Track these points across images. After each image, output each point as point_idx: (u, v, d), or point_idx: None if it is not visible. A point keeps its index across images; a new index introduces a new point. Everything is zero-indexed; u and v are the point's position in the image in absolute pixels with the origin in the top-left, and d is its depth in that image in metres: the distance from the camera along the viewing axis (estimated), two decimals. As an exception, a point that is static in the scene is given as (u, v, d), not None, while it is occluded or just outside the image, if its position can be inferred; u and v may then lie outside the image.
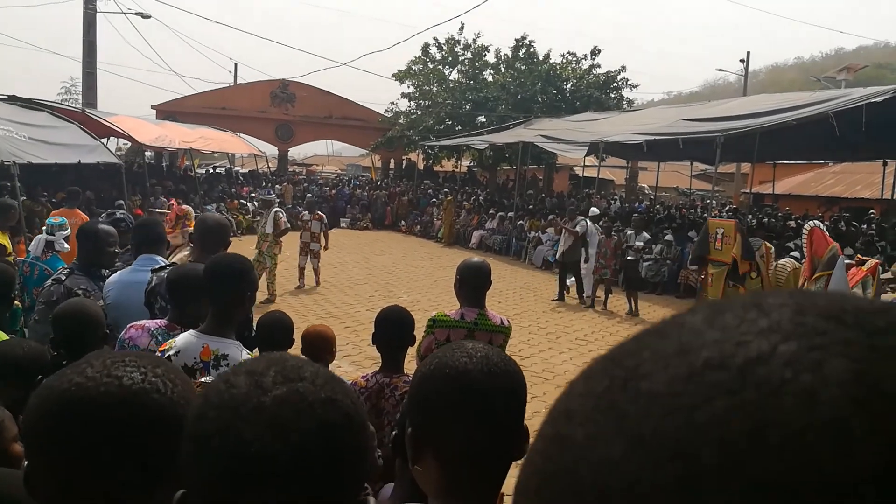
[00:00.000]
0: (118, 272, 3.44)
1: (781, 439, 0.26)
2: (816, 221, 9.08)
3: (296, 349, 3.64)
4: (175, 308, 2.79)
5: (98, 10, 20.75)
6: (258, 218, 15.84)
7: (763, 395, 0.28)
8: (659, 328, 0.35)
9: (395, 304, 3.27)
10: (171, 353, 2.41)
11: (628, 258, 11.51)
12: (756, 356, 0.29)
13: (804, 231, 8.42)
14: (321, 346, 3.57)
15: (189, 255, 3.86)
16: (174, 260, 4.06)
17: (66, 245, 4.87)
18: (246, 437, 0.72)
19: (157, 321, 2.80)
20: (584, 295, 12.08)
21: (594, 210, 13.85)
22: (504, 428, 1.17)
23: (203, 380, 2.04)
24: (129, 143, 21.07)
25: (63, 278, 3.50)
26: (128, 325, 2.76)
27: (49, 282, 3.53)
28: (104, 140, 16.09)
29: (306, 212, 12.84)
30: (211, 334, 2.43)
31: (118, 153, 20.07)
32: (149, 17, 22.47)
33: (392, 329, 2.98)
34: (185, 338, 2.45)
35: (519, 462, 1.97)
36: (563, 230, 12.46)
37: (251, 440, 0.72)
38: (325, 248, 12.53)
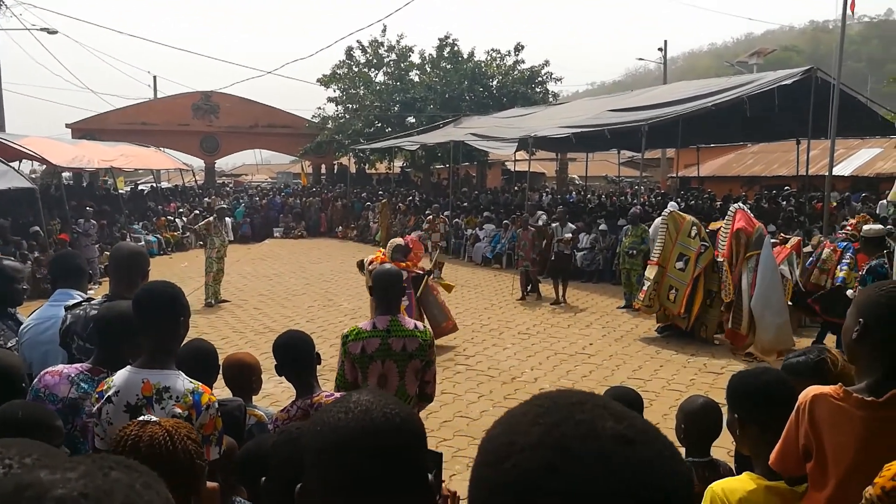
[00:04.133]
0: (36, 310, 3.22)
1: None
2: (740, 203, 9.39)
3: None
4: (104, 350, 2.60)
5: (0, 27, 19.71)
6: (187, 235, 15.38)
7: None
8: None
9: (288, 330, 3.20)
10: (110, 392, 2.30)
11: (561, 251, 11.65)
12: None
13: (730, 212, 8.68)
14: (244, 376, 3.42)
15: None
16: None
17: None
18: None
19: (77, 366, 2.60)
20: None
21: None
22: (387, 490, 1.03)
23: (145, 417, 1.93)
24: (44, 166, 20.11)
25: None
26: (42, 372, 2.55)
27: None
28: (15, 164, 15.30)
29: (432, 216, 15.89)
30: (149, 367, 2.33)
31: (32, 176, 19.10)
32: (55, 32, 21.52)
33: (291, 355, 2.92)
34: (122, 375, 2.33)
35: None
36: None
37: None
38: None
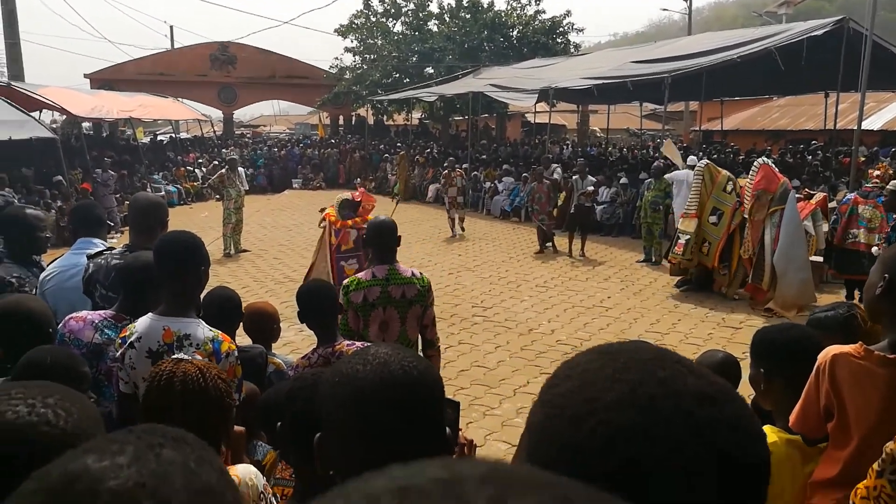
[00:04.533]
0: (58, 258, 3.26)
1: None
2: (765, 158, 9.17)
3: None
4: (127, 298, 2.64)
5: (15, -25, 19.51)
6: (208, 183, 15.46)
7: None
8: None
9: (312, 279, 3.25)
10: (132, 338, 2.34)
11: (582, 203, 11.54)
12: None
13: (754, 167, 8.50)
14: (264, 324, 3.53)
15: None
16: None
17: None
18: None
19: (101, 312, 2.64)
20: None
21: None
22: (405, 440, 1.04)
23: (180, 355, 1.98)
24: (64, 116, 20.18)
25: None
26: (67, 318, 2.60)
27: None
28: (35, 114, 15.36)
29: (449, 170, 14.42)
30: (170, 315, 2.37)
31: (53, 126, 19.18)
32: (72, -21, 21.25)
33: (314, 303, 2.95)
34: (144, 322, 2.38)
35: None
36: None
37: None
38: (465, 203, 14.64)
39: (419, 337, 3.55)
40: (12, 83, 16.86)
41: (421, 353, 3.55)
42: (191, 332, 2.35)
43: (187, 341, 2.33)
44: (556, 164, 13.01)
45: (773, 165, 8.54)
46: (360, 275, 3.46)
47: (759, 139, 23.64)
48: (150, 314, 2.40)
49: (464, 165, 19.08)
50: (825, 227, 8.66)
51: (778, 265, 7.89)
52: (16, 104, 13.24)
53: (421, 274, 3.57)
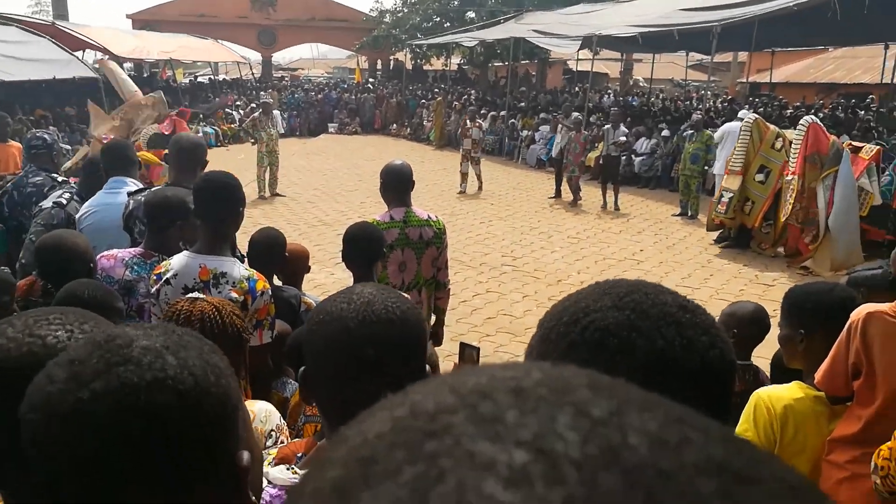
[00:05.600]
0: (93, 196, 3.35)
1: None
2: (812, 117, 8.75)
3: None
4: (153, 234, 2.70)
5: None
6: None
7: None
8: None
9: (361, 221, 3.28)
10: (168, 275, 2.39)
11: (610, 153, 11.31)
12: None
13: (801, 126, 8.15)
14: (298, 265, 3.65)
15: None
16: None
17: None
18: (65, 438, 0.67)
19: (130, 250, 2.72)
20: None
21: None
22: (385, 378, 1.07)
23: (194, 295, 2.02)
24: (107, 56, 20.34)
25: (65, 203, 3.42)
26: (98, 256, 2.67)
27: (50, 204, 3.47)
28: (78, 53, 15.53)
29: (468, 119, 13.22)
30: (206, 253, 2.41)
31: (95, 66, 19.40)
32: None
33: (363, 245, 2.96)
34: (180, 259, 2.42)
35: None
36: (560, 126, 12.19)
37: (70, 442, 0.67)
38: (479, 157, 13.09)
39: (432, 275, 3.61)
40: (56, 22, 17.03)
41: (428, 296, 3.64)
42: (227, 270, 2.39)
43: (224, 279, 2.37)
44: (577, 112, 12.61)
45: (821, 124, 8.21)
46: (377, 216, 3.50)
47: (809, 92, 22.73)
48: (185, 251, 2.45)
49: (501, 113, 18.82)
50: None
51: (833, 228, 7.65)
52: (60, 44, 13.39)
53: (437, 217, 3.65)
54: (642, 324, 0.68)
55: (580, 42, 16.57)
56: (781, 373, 2.45)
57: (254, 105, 20.41)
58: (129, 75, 22.21)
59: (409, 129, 22.38)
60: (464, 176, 12.87)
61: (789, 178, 8.08)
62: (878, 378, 1.94)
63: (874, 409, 1.95)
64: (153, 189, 3.10)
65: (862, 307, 1.99)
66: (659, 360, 0.67)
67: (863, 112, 15.90)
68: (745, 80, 22.87)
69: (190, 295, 2.02)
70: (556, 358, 0.68)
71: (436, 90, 24.92)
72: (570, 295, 0.77)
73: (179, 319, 1.88)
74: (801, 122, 8.32)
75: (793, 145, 8.17)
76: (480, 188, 12.97)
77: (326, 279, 6.91)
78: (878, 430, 1.89)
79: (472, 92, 23.85)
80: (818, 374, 2.02)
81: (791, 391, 2.06)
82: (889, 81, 14.62)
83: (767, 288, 7.38)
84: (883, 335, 1.92)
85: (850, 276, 2.46)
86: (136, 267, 2.64)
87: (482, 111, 19.78)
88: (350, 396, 1.05)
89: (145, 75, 25.08)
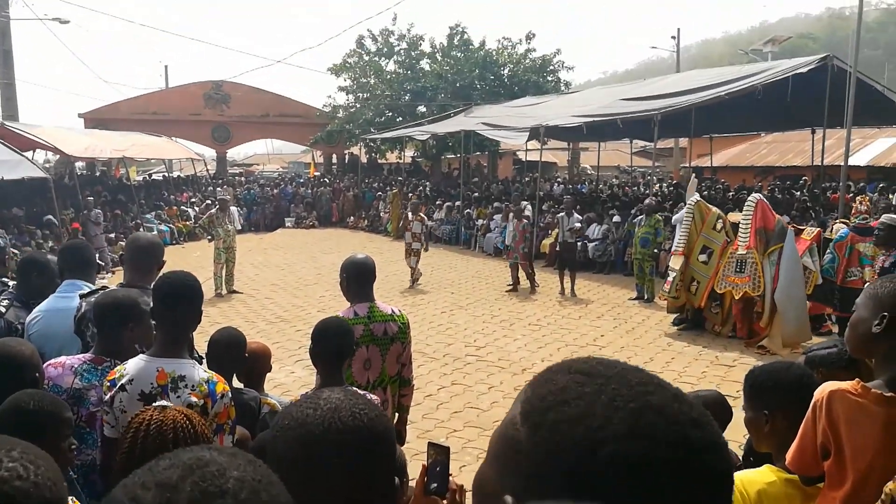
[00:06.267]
0: (44, 301, 3.22)
1: None
2: (759, 195, 9.21)
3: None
4: (104, 338, 2.60)
5: (11, 17, 19.79)
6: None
7: None
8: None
9: (331, 316, 3.21)
10: (123, 381, 2.30)
11: (566, 240, 11.57)
12: None
13: (749, 202, 8.53)
14: (259, 365, 3.56)
15: None
16: None
17: None
18: None
19: (80, 356, 2.60)
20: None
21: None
22: (351, 485, 1.07)
23: (162, 403, 1.93)
24: (58, 155, 20.22)
25: (3, 311, 3.28)
26: (45, 364, 2.54)
27: None
28: (29, 153, 15.39)
29: (409, 213, 12.99)
30: (163, 356, 2.34)
31: (46, 165, 19.22)
32: (67, 21, 21.56)
33: (336, 342, 2.86)
34: (135, 363, 2.34)
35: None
36: (511, 216, 12.43)
37: None
38: (426, 249, 12.79)
39: (396, 372, 3.53)
40: (6, 123, 16.94)
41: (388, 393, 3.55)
42: (186, 373, 2.31)
43: (182, 382, 2.29)
44: (526, 202, 12.97)
45: (767, 202, 8.60)
46: (340, 312, 3.42)
47: (748, 175, 23.92)
48: (141, 355, 2.37)
49: (457, 203, 19.19)
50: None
51: (780, 303, 7.88)
52: (10, 144, 13.27)
53: (400, 311, 3.60)
54: (659, 454, 0.64)
55: (528, 133, 17.22)
56: (751, 457, 2.43)
57: (209, 202, 20.39)
58: (80, 174, 22.15)
59: (366, 221, 22.59)
60: (412, 270, 12.55)
61: (743, 252, 8.33)
62: (847, 458, 1.94)
63: (846, 490, 1.93)
64: (104, 290, 3.01)
65: (825, 385, 2.00)
66: (675, 488, 0.65)
67: (798, 193, 16.72)
68: (687, 165, 23.94)
69: (157, 403, 1.94)
70: (563, 485, 0.64)
71: (392, 182, 25.38)
72: (565, 390, 0.68)
73: (151, 429, 1.79)
74: (750, 198, 8.75)
75: (741, 223, 8.51)
76: (414, 282, 12.53)
77: (286, 378, 6.73)
78: (858, 510, 1.87)
79: (427, 183, 24.36)
80: (788, 455, 2.01)
81: (763, 475, 2.04)
82: (819, 163, 15.48)
83: (729, 369, 7.46)
84: (847, 414, 1.93)
85: (807, 356, 2.49)
86: (86, 374, 2.52)
87: (437, 202, 20.14)
88: (310, 499, 1.02)
89: (98, 174, 24.98)
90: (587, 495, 0.63)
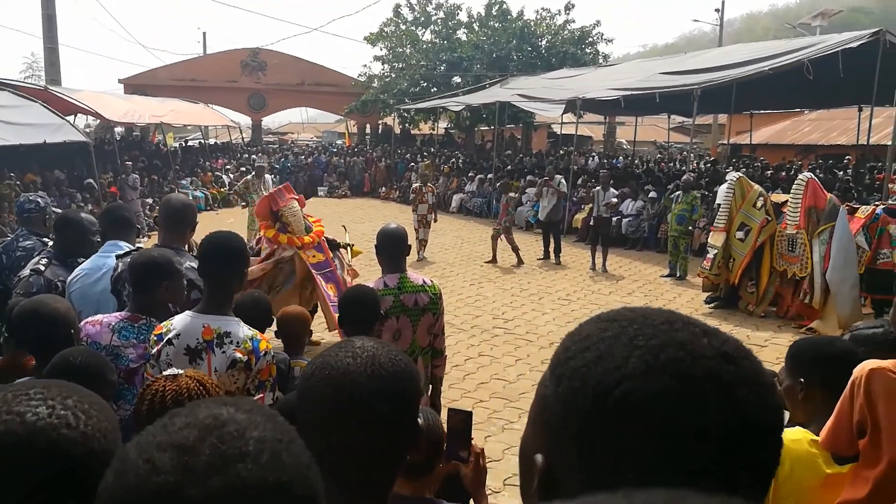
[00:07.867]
0: (87, 260, 3.30)
1: None
2: (810, 173, 8.99)
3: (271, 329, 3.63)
4: (139, 296, 2.65)
5: (55, -19, 20.00)
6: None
7: None
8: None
9: (359, 284, 3.24)
10: (170, 335, 2.35)
11: (600, 214, 11.44)
12: None
13: (800, 181, 8.33)
14: (300, 328, 3.65)
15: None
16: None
17: None
18: None
19: (117, 314, 2.65)
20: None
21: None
22: (389, 431, 1.11)
23: (171, 371, 1.94)
24: (98, 120, 20.57)
25: (42, 269, 3.37)
26: (83, 322, 2.60)
27: (28, 272, 3.38)
28: (70, 117, 15.68)
29: (421, 184, 12.78)
30: (209, 313, 2.39)
31: (87, 130, 19.57)
32: (109, -13, 21.72)
33: (361, 310, 2.92)
34: (182, 319, 2.39)
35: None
36: (546, 190, 12.32)
37: None
38: (435, 220, 12.78)
39: (428, 343, 3.52)
40: (49, 87, 17.25)
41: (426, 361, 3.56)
42: (231, 330, 2.37)
43: (227, 339, 2.34)
44: (560, 176, 12.83)
45: (818, 181, 8.40)
46: (370, 283, 3.41)
47: (788, 153, 23.30)
48: (187, 311, 2.43)
49: (489, 176, 19.08)
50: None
51: (832, 283, 7.71)
52: (52, 108, 13.53)
53: (432, 281, 3.55)
54: (686, 390, 0.58)
55: (564, 106, 16.97)
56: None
57: (243, 169, 20.60)
58: (119, 139, 22.52)
59: (397, 192, 22.60)
60: (422, 243, 12.43)
61: (793, 231, 8.17)
62: (882, 437, 1.91)
63: (881, 470, 1.90)
64: (139, 250, 3.07)
65: (865, 363, 1.97)
66: (700, 433, 0.57)
67: (840, 173, 16.25)
68: (726, 142, 23.43)
69: (168, 371, 1.95)
70: (581, 430, 0.60)
71: (424, 153, 25.31)
72: (587, 338, 0.65)
73: (166, 400, 1.79)
74: (800, 177, 8.55)
75: (790, 202, 8.32)
76: (420, 252, 12.41)
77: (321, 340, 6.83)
78: (887, 493, 1.84)
79: (459, 155, 24.26)
80: (822, 434, 1.98)
81: (789, 433, 2.02)
82: (865, 143, 15.00)
83: (760, 349, 7.35)
84: (887, 393, 1.89)
85: (852, 335, 2.44)
86: (123, 331, 2.57)
87: (470, 174, 20.03)
88: (344, 447, 1.08)
89: (135, 138, 25.37)
90: (600, 438, 0.58)
